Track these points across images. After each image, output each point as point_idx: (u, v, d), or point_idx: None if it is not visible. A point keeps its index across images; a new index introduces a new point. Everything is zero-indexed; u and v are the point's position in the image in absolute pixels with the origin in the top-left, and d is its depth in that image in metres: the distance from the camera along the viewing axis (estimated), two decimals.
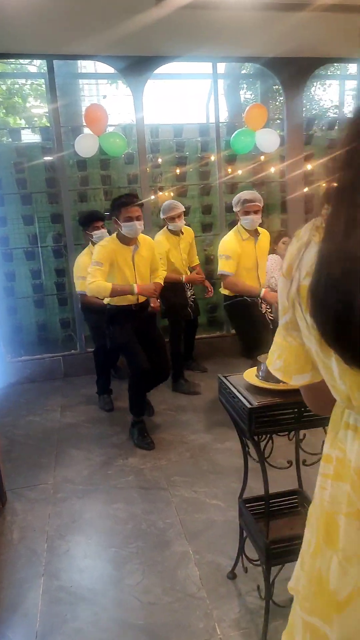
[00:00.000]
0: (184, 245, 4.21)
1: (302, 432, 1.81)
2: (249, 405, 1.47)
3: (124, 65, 4.48)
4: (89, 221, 3.85)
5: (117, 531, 2.31)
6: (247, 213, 3.38)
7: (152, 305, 3.46)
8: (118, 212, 3.10)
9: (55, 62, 4.38)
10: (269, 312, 3.57)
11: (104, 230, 3.81)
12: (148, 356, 3.23)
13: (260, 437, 1.55)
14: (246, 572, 1.89)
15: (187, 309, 4.25)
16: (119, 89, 7.17)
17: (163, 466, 2.91)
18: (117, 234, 3.21)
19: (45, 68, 4.42)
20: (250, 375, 1.66)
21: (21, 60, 6.12)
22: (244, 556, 1.88)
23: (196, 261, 4.41)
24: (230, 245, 3.43)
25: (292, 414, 1.51)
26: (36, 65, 6.20)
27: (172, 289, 4.06)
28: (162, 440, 3.26)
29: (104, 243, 3.21)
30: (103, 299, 3.33)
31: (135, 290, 3.13)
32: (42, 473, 2.92)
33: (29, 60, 5.95)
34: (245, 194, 3.43)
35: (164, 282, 3.55)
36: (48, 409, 3.97)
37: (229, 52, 4.64)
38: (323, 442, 1.66)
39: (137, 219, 3.09)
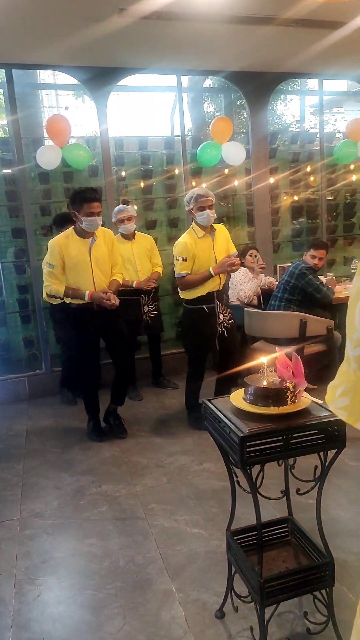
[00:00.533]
0: (138, 251, 4.12)
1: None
2: (240, 434, 1.36)
3: (87, 76, 4.36)
4: (63, 222, 3.87)
5: (93, 570, 2.13)
6: (201, 209, 3.28)
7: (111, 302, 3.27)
8: (79, 207, 3.10)
9: (14, 71, 4.22)
10: (227, 320, 3.47)
11: None
12: (111, 355, 3.43)
13: (251, 466, 1.43)
14: (236, 611, 1.75)
15: (139, 324, 4.12)
16: (83, 101, 7.04)
17: (139, 493, 2.75)
18: (74, 228, 3.22)
19: (4, 77, 4.25)
20: (238, 398, 1.55)
21: None
22: (232, 593, 1.75)
23: (156, 268, 4.26)
24: (184, 247, 3.32)
25: (285, 441, 1.40)
26: None
27: (125, 305, 3.80)
28: (136, 464, 3.09)
29: (54, 238, 3.25)
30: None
31: (87, 297, 3.16)
32: (7, 507, 2.69)
33: None
34: (197, 190, 3.34)
35: (119, 298, 3.37)
36: (12, 434, 3.72)
37: (194, 65, 4.61)
38: (315, 467, 1.58)
39: (98, 214, 3.12)
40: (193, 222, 3.42)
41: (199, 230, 3.36)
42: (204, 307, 3.39)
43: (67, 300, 3.28)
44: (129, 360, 3.59)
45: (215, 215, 3.38)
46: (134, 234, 4.16)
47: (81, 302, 3.21)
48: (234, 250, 3.52)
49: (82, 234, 3.18)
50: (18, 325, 4.77)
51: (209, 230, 3.39)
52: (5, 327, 4.73)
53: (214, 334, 3.43)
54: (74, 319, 3.31)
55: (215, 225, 3.45)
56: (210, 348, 3.54)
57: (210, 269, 3.31)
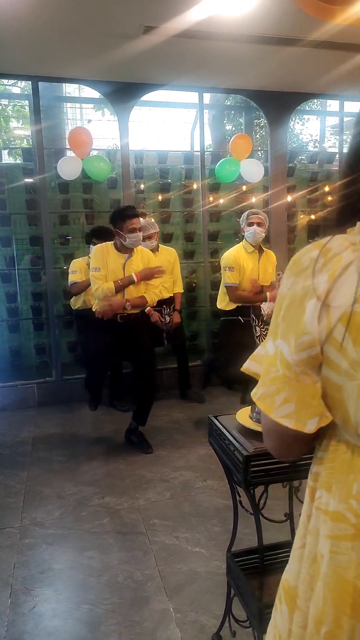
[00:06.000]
0: (159, 264, 4.05)
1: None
2: (244, 452, 1.33)
3: (111, 90, 4.45)
4: (91, 236, 4.03)
5: (91, 584, 2.09)
6: (250, 225, 3.46)
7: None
8: (122, 224, 3.18)
9: (40, 83, 4.32)
10: (264, 334, 3.51)
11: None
12: (134, 369, 3.40)
13: (255, 487, 1.40)
14: (234, 636, 1.70)
15: (161, 335, 4.13)
16: (103, 114, 7.16)
17: (141, 507, 2.72)
18: (114, 244, 3.31)
19: (30, 89, 4.35)
20: (244, 417, 1.52)
21: (4, 81, 6.05)
22: (231, 617, 1.70)
23: (178, 288, 4.29)
24: (232, 258, 3.49)
25: (291, 462, 1.37)
26: (20, 87, 6.14)
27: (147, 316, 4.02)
28: (140, 477, 3.06)
29: (98, 246, 3.34)
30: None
31: (135, 278, 3.22)
32: (8, 514, 2.67)
33: (14, 81, 5.89)
34: (251, 210, 3.57)
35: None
36: (19, 441, 3.72)
37: (216, 83, 4.66)
38: None
39: (140, 229, 3.23)
40: (244, 239, 3.61)
41: (248, 246, 3.54)
42: (240, 317, 3.50)
43: (95, 307, 3.29)
44: (151, 376, 3.46)
45: (263, 235, 3.53)
46: (157, 246, 4.20)
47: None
48: (273, 278, 3.67)
49: (121, 249, 3.26)
50: (31, 332, 4.81)
51: (258, 249, 3.56)
52: (18, 334, 4.77)
53: (251, 345, 3.42)
54: (95, 324, 3.29)
55: (265, 249, 3.65)
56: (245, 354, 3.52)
57: (268, 294, 3.45)
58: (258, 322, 3.53)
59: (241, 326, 3.48)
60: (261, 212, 3.57)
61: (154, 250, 4.16)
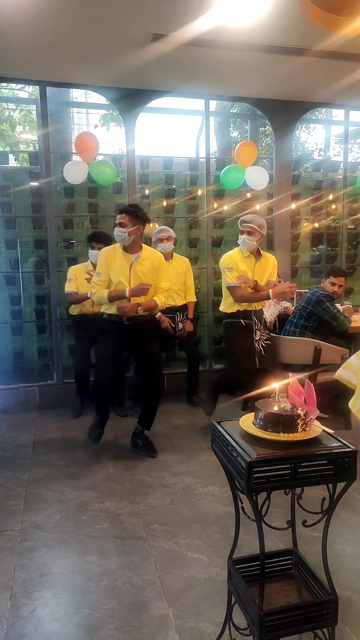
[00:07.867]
0: (174, 271, 4.21)
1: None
2: (247, 459, 1.33)
3: (118, 96, 4.48)
4: (89, 241, 4.16)
5: (90, 589, 2.09)
6: (241, 232, 3.48)
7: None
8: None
9: (48, 88, 4.36)
10: (264, 339, 3.54)
11: (96, 251, 3.93)
12: (141, 377, 3.45)
13: (257, 493, 1.40)
14: None
15: (173, 341, 4.17)
16: (108, 129, 7.21)
17: (142, 512, 2.71)
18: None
19: (38, 94, 4.39)
20: (247, 423, 1.53)
21: (12, 85, 6.11)
22: (231, 624, 1.69)
23: (191, 297, 4.38)
24: (231, 259, 3.51)
25: (293, 469, 1.37)
26: (28, 91, 6.19)
27: (159, 322, 4.09)
28: (141, 482, 3.06)
29: (105, 249, 3.34)
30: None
31: (127, 293, 3.15)
32: (9, 517, 2.67)
33: (22, 85, 5.94)
34: (246, 216, 3.52)
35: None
36: (19, 443, 3.72)
37: (223, 91, 4.70)
38: (323, 499, 1.54)
39: (120, 225, 3.16)
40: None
41: (244, 251, 3.52)
42: (242, 320, 3.51)
43: (103, 308, 3.31)
44: (159, 382, 3.43)
45: (252, 243, 3.49)
46: (172, 254, 4.27)
47: (113, 312, 3.22)
48: (274, 278, 3.66)
49: (126, 248, 3.24)
50: (34, 334, 4.82)
51: (255, 253, 3.57)
52: (21, 336, 4.78)
53: (252, 349, 3.49)
54: (102, 327, 3.33)
55: (265, 253, 3.64)
56: (250, 364, 3.51)
57: (270, 291, 3.42)
58: (259, 326, 3.54)
59: (242, 329, 3.49)
60: (255, 219, 3.49)
61: (168, 257, 4.21)
